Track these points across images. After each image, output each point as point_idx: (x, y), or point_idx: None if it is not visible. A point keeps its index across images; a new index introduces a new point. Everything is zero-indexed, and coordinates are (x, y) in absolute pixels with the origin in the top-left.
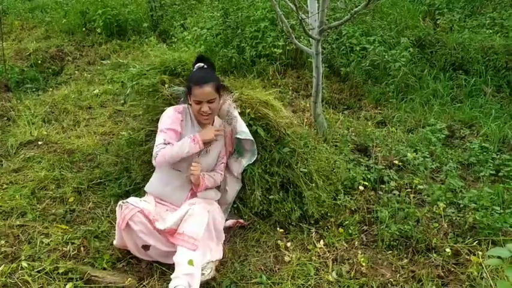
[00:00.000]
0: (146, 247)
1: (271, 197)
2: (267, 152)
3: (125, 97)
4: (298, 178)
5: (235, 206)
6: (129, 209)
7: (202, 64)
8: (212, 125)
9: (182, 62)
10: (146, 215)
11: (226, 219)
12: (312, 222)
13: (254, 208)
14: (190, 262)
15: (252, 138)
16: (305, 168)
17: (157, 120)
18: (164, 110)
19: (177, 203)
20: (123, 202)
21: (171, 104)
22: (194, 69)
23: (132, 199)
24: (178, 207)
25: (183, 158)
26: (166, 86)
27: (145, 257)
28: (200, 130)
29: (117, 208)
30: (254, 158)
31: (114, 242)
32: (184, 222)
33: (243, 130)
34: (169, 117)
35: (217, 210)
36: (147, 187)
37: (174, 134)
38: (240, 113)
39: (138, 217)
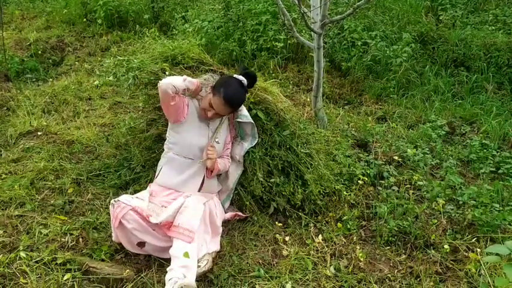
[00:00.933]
0: (141, 244)
1: (272, 180)
2: (267, 135)
3: (128, 86)
4: (299, 160)
5: (236, 192)
6: (121, 207)
7: (245, 81)
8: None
9: (182, 52)
10: (139, 212)
11: (226, 211)
12: (312, 211)
13: (255, 191)
14: (186, 254)
15: (252, 121)
16: (306, 149)
17: (159, 108)
18: None
19: (192, 192)
20: (114, 201)
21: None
22: (234, 78)
23: (123, 197)
24: (175, 193)
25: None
26: (167, 73)
27: (142, 252)
28: (207, 123)
29: (110, 206)
30: (255, 141)
31: (113, 237)
32: (180, 215)
33: (243, 113)
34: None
35: (214, 203)
36: (159, 179)
37: (180, 103)
38: None
39: (130, 215)
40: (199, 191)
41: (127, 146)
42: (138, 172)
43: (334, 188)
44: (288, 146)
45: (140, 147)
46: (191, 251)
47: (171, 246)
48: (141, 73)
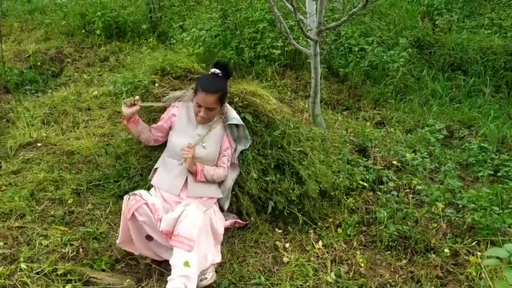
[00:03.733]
0: (149, 237)
1: (267, 178)
2: (258, 136)
3: (123, 99)
4: (293, 158)
5: (234, 193)
6: (136, 200)
7: (218, 71)
8: (210, 123)
9: (171, 63)
10: (151, 209)
11: (226, 217)
12: (314, 202)
13: (252, 191)
14: (186, 263)
15: (242, 123)
16: (299, 147)
17: (152, 119)
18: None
19: (174, 192)
20: (131, 194)
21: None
22: (209, 73)
23: (142, 191)
24: (176, 197)
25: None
26: (156, 85)
27: (147, 251)
28: (196, 126)
29: (124, 198)
30: (248, 143)
31: (117, 241)
32: (180, 223)
33: (233, 116)
34: (164, 114)
35: (214, 212)
36: (154, 179)
37: (159, 130)
38: (228, 103)
39: (143, 209)
40: (186, 191)
41: (125, 157)
42: (137, 181)
43: (332, 181)
44: (279, 145)
45: (137, 155)
46: (191, 260)
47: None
48: (132, 86)
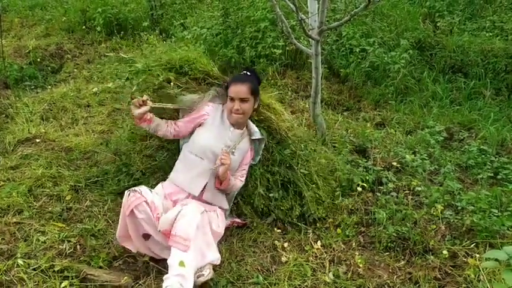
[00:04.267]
0: (147, 236)
1: (271, 194)
2: (269, 153)
3: (131, 93)
4: (299, 179)
5: (235, 201)
6: (136, 197)
7: (246, 72)
8: (243, 129)
9: (189, 61)
10: (151, 207)
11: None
12: (311, 221)
13: (254, 203)
14: (182, 263)
15: (264, 137)
16: (305, 169)
17: (159, 116)
18: (169, 108)
19: (194, 192)
20: (131, 190)
21: (176, 102)
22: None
23: (143, 188)
24: (185, 198)
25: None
26: (171, 84)
27: (145, 249)
28: (230, 129)
29: (125, 194)
30: (258, 158)
31: (116, 235)
32: (177, 223)
33: (256, 130)
34: (194, 113)
35: (217, 215)
36: (171, 175)
37: (185, 126)
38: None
39: (143, 206)
40: (201, 195)
41: (127, 152)
42: (137, 178)
43: (332, 201)
44: (288, 165)
45: (141, 154)
46: (187, 260)
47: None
48: (145, 79)
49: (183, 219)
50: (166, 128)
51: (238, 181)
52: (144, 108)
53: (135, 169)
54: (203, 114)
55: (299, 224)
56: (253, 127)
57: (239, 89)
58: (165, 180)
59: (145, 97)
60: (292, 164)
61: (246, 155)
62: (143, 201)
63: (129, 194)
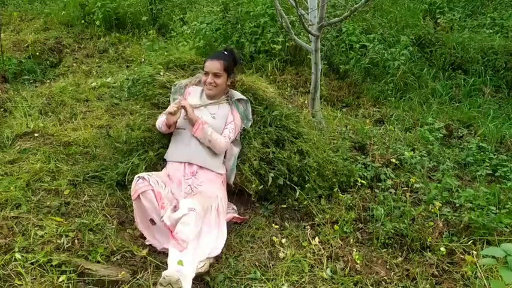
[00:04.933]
0: (153, 221)
1: (268, 149)
2: (258, 116)
3: (127, 88)
4: (292, 135)
5: (236, 165)
6: (144, 184)
7: (224, 51)
8: (217, 99)
9: (175, 56)
10: (157, 197)
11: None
12: (314, 173)
13: (253, 162)
14: (180, 262)
15: (246, 98)
16: (300, 127)
17: (155, 104)
18: (160, 94)
19: (183, 159)
20: (141, 177)
21: (167, 88)
22: None
23: (152, 177)
24: (186, 163)
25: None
26: (161, 73)
27: (149, 234)
28: (205, 101)
29: (134, 180)
30: (249, 123)
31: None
32: (180, 225)
33: (236, 93)
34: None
35: (219, 205)
36: (167, 154)
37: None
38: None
39: (149, 195)
40: (190, 158)
41: (128, 140)
42: (137, 164)
43: (330, 160)
44: (279, 124)
45: (140, 130)
46: (185, 259)
47: None
48: (138, 76)
49: (186, 223)
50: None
51: (221, 137)
52: (179, 114)
53: (134, 143)
54: (186, 95)
55: (297, 189)
56: (234, 93)
57: (213, 65)
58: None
59: (182, 102)
60: (283, 122)
61: (228, 116)
62: (150, 189)
63: (138, 180)
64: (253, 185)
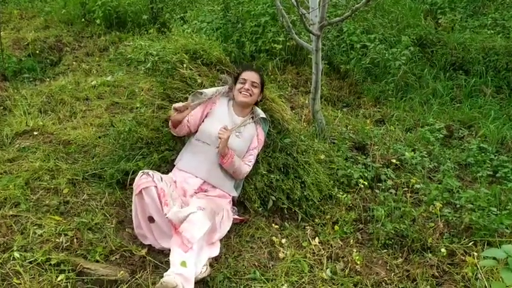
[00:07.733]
0: (151, 219)
1: (272, 175)
2: (271, 140)
3: (145, 70)
4: (298, 165)
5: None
6: (147, 180)
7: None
8: (246, 112)
9: (204, 48)
10: (159, 194)
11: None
12: (311, 203)
13: (257, 184)
14: (183, 264)
15: (267, 118)
16: (305, 158)
17: (167, 95)
18: (178, 88)
19: (199, 175)
20: (145, 172)
21: (187, 84)
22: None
23: (156, 174)
24: (194, 187)
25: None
26: (184, 65)
27: (148, 231)
28: (233, 115)
29: (138, 175)
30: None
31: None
32: (186, 223)
33: (260, 112)
34: (202, 105)
35: (223, 215)
36: (179, 164)
37: (195, 117)
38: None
39: (152, 191)
40: (207, 178)
41: (129, 137)
42: (138, 160)
43: (331, 193)
44: (288, 152)
45: (148, 128)
46: (188, 261)
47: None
48: (160, 59)
49: (193, 223)
50: (183, 126)
51: (245, 165)
52: (186, 112)
53: (142, 143)
54: (210, 104)
55: (298, 211)
56: (259, 110)
57: (252, 75)
58: (169, 171)
59: (189, 101)
60: (292, 151)
61: (253, 139)
62: (153, 186)
63: (141, 175)
64: (255, 204)
